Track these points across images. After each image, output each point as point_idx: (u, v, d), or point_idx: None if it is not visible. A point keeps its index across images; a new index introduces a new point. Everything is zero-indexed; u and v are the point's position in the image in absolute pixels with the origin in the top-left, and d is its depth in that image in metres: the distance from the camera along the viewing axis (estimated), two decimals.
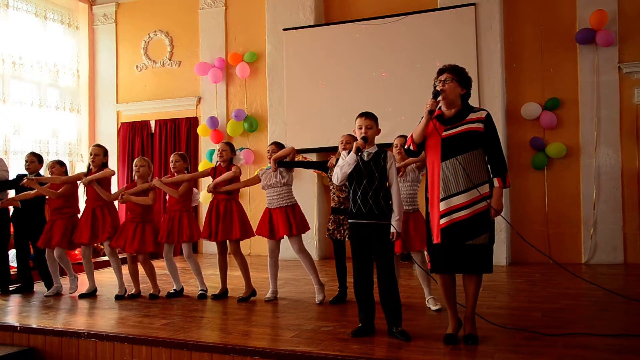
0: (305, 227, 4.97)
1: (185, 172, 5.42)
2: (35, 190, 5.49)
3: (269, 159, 4.97)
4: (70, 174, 5.95)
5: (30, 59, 8.69)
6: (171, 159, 5.40)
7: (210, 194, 5.17)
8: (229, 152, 5.19)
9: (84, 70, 9.72)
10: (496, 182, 3.43)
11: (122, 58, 9.70)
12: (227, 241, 5.13)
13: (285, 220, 4.84)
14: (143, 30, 9.54)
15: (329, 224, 4.87)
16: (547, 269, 6.42)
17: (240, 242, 5.14)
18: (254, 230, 5.11)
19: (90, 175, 5.33)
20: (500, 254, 6.82)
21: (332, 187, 4.90)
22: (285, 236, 4.89)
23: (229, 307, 4.79)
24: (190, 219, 5.32)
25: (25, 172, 5.83)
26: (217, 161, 5.23)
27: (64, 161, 5.97)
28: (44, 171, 6.16)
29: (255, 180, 5.12)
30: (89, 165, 5.49)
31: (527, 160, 7.19)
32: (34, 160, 5.79)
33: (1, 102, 8.16)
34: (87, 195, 5.46)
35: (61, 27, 9.37)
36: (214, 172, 5.20)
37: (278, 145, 5.04)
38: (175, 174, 5.37)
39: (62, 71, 9.31)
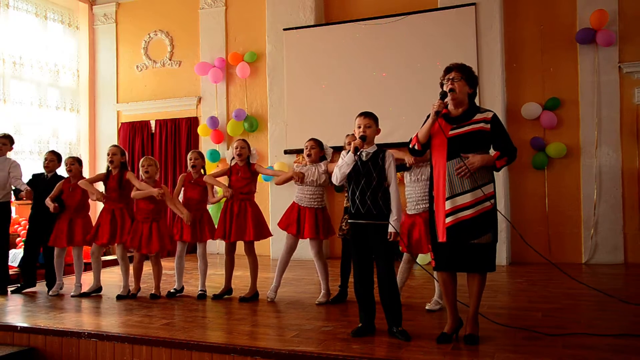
0: (331, 232, 4.88)
1: (202, 171, 5.37)
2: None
3: (308, 155, 4.79)
4: (85, 176, 5.88)
5: (31, 59, 8.70)
6: (189, 156, 5.34)
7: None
8: (247, 150, 5.09)
9: (84, 70, 9.73)
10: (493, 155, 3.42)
11: (122, 58, 9.71)
12: (239, 241, 5.06)
13: (314, 222, 4.73)
14: (143, 30, 9.55)
15: (343, 223, 4.79)
16: (547, 269, 6.42)
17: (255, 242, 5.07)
18: (278, 223, 4.95)
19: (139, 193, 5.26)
20: (500, 254, 6.81)
21: (345, 187, 4.79)
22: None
23: (230, 307, 4.78)
24: (209, 218, 5.30)
25: (43, 171, 5.81)
26: (234, 159, 5.11)
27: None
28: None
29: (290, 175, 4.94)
30: (108, 166, 5.42)
31: (528, 160, 7.19)
32: (54, 159, 5.75)
33: (1, 102, 8.16)
34: (107, 195, 5.43)
35: (61, 27, 9.38)
36: (229, 172, 5.10)
37: (317, 142, 4.84)
38: (193, 172, 5.31)
39: (62, 71, 9.32)
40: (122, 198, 5.38)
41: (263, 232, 5.04)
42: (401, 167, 4.46)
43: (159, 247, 5.19)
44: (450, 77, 3.46)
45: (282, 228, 4.89)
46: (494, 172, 3.50)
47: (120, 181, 5.33)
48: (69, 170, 5.54)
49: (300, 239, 4.89)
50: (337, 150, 4.85)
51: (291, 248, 4.90)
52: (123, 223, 5.32)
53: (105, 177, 5.40)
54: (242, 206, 5.00)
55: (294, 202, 4.88)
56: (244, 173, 5.04)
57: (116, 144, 5.65)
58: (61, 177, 5.70)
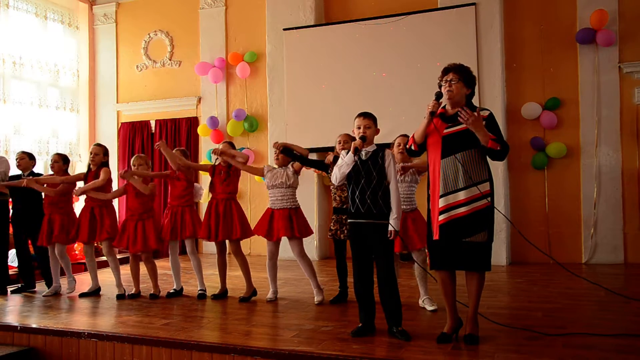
0: (308, 232, 4.93)
1: None
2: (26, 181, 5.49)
3: (276, 159, 4.93)
4: (70, 174, 5.92)
5: (31, 59, 8.69)
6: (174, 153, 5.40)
7: (210, 193, 5.17)
8: None
9: (84, 70, 9.73)
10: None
11: (122, 58, 9.71)
12: (227, 241, 5.14)
13: (287, 223, 4.81)
14: (143, 30, 9.54)
15: (332, 224, 4.86)
16: (547, 269, 6.42)
17: (241, 241, 5.14)
18: (253, 229, 5.07)
19: (82, 188, 5.32)
20: (500, 254, 6.81)
21: (332, 187, 4.89)
22: (285, 238, 4.86)
23: (229, 307, 4.79)
24: (193, 215, 5.32)
25: (20, 172, 5.82)
26: (217, 159, 5.19)
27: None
28: (43, 167, 6.13)
29: (259, 171, 5.07)
30: (89, 164, 5.49)
31: (528, 160, 7.19)
32: (24, 157, 5.79)
33: (1, 102, 8.16)
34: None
35: (61, 27, 9.38)
36: (212, 170, 5.19)
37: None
38: (176, 170, 5.37)
39: (62, 71, 9.31)
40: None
41: (247, 231, 5.11)
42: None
43: (142, 247, 5.20)
44: (448, 79, 3.47)
45: (257, 233, 5.01)
46: (491, 172, 3.49)
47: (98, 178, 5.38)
48: (51, 167, 5.61)
49: (282, 243, 4.97)
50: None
51: (273, 253, 4.99)
52: (102, 220, 5.35)
53: (85, 176, 5.48)
54: (227, 206, 5.07)
55: (268, 207, 4.99)
56: (226, 173, 5.12)
57: (100, 143, 5.66)
58: (38, 175, 5.80)
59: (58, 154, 5.70)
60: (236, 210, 5.07)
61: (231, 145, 5.25)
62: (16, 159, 5.79)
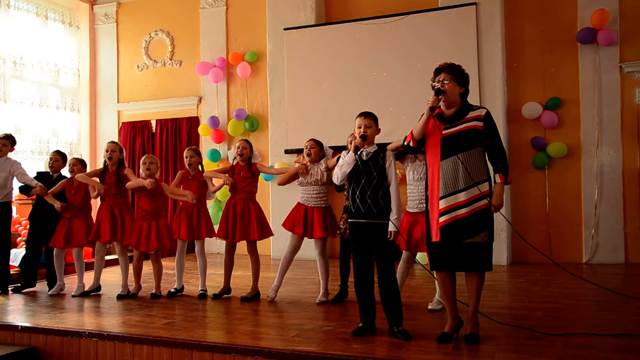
0: (337, 230, 4.89)
1: (200, 167, 5.38)
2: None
3: (308, 154, 4.81)
4: None
5: (31, 59, 8.70)
6: (185, 154, 5.37)
7: (229, 192, 5.13)
8: (249, 151, 5.12)
9: (84, 70, 9.74)
10: (498, 178, 3.44)
11: (123, 58, 9.71)
12: (240, 241, 5.07)
13: (322, 222, 4.74)
14: (144, 30, 9.55)
15: (341, 222, 4.82)
16: (548, 269, 6.42)
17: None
18: (283, 224, 4.94)
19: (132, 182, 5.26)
20: (500, 254, 6.81)
21: (346, 186, 4.81)
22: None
23: (230, 307, 4.79)
24: (207, 215, 5.31)
25: (47, 171, 5.81)
26: (235, 159, 5.15)
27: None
28: (43, 167, 6.11)
29: (294, 175, 4.93)
30: (105, 162, 5.42)
31: (528, 159, 7.19)
32: (59, 159, 5.76)
33: (2, 102, 8.17)
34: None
35: (62, 26, 9.39)
36: (232, 171, 5.12)
37: (317, 142, 4.89)
38: (190, 169, 5.34)
39: (62, 71, 9.32)
40: (120, 195, 5.39)
41: (266, 231, 5.06)
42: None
43: (157, 245, 5.18)
44: (440, 79, 3.48)
45: (287, 229, 4.88)
46: (490, 172, 3.50)
47: (118, 177, 5.35)
48: (71, 171, 5.57)
49: (304, 239, 4.88)
50: (338, 149, 4.85)
51: (295, 248, 4.91)
52: (123, 220, 5.33)
53: (102, 174, 5.41)
54: (245, 206, 5.01)
55: (299, 202, 4.88)
56: (245, 173, 5.06)
57: (115, 140, 5.61)
58: (64, 177, 5.72)
59: (76, 158, 5.66)
60: (254, 211, 5.00)
61: (249, 144, 5.17)
62: (50, 159, 5.74)
